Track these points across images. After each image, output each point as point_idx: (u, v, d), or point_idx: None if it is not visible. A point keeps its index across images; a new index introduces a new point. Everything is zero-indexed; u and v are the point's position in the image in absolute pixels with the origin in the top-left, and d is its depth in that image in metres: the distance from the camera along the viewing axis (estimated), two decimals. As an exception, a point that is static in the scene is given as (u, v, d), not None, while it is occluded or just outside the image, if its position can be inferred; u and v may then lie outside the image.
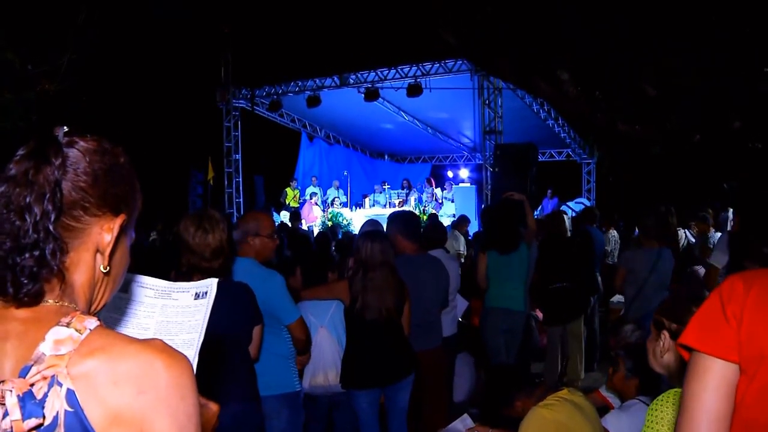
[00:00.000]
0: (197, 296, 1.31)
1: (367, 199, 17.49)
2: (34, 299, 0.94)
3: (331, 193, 17.40)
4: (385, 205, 17.17)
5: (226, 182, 17.66)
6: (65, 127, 1.00)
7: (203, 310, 1.29)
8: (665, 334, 2.02)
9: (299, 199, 16.96)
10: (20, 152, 0.96)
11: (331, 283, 4.24)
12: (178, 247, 2.92)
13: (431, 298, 4.47)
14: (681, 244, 8.81)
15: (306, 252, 6.35)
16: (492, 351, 5.40)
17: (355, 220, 15.09)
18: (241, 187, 17.78)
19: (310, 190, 17.23)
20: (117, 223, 1.02)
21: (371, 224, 5.12)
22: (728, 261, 4.71)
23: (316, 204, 16.61)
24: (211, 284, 1.33)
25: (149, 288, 1.30)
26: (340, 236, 11.04)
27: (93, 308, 1.06)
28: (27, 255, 0.92)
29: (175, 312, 1.29)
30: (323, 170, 18.77)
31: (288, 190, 17.02)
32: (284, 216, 15.13)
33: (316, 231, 13.84)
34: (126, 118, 15.75)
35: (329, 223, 15.03)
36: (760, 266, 2.93)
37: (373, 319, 3.83)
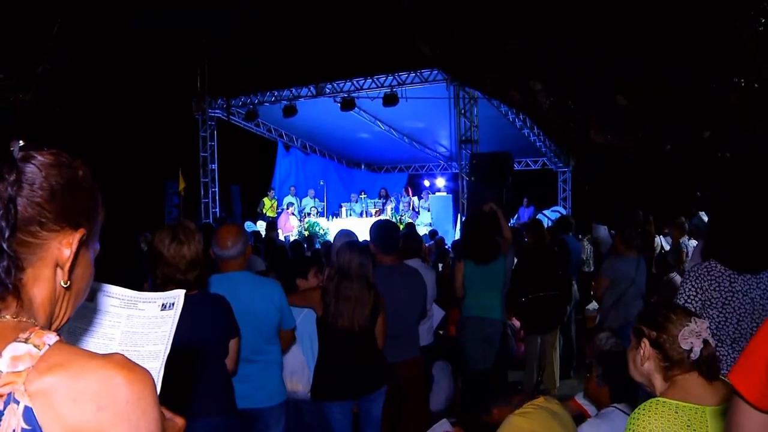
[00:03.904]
0: (164, 307, 1.29)
1: (343, 209, 17.48)
2: None
3: (307, 202, 17.37)
4: (361, 214, 17.19)
5: (202, 192, 17.55)
6: (21, 141, 0.97)
7: (170, 322, 1.27)
8: (645, 342, 2.03)
9: (277, 209, 16.92)
10: None
11: (305, 290, 4.22)
12: (153, 259, 2.89)
13: (409, 309, 4.44)
14: (657, 252, 8.92)
15: (282, 263, 6.34)
16: (470, 360, 5.42)
17: (332, 229, 15.04)
18: (217, 197, 17.69)
19: (287, 199, 17.19)
20: (76, 237, 1.00)
21: (345, 235, 5.10)
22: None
23: (293, 214, 16.56)
24: (177, 295, 1.31)
25: (115, 297, 1.28)
26: (317, 246, 11.01)
27: (57, 323, 1.04)
28: None
29: (141, 323, 1.27)
30: (300, 180, 18.73)
31: (265, 199, 16.97)
32: (261, 226, 15.07)
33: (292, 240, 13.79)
34: (102, 128, 15.56)
35: (306, 233, 15.00)
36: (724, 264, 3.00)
37: (345, 330, 3.80)
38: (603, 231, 9.08)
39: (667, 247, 9.52)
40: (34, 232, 0.96)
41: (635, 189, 14.01)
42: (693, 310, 2.93)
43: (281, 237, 14.19)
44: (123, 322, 1.27)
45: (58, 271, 1.00)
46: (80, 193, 1.02)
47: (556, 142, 17.47)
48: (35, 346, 0.89)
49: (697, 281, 3.04)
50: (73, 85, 13.34)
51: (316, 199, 17.54)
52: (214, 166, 17.61)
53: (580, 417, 3.35)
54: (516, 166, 16.32)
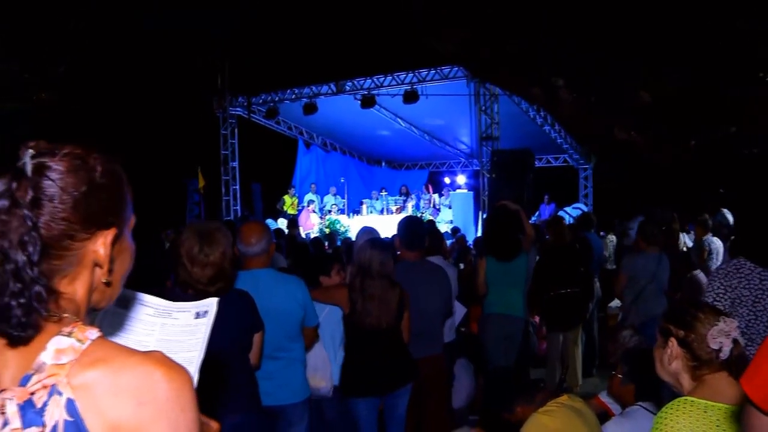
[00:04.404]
0: (198, 315, 1.30)
1: (364, 206, 17.49)
2: (28, 341, 0.91)
3: (328, 200, 17.41)
4: (382, 212, 17.19)
5: (223, 190, 17.67)
6: (31, 150, 0.92)
7: (203, 329, 1.28)
8: (673, 342, 2.00)
9: (297, 207, 16.97)
10: None
11: (327, 287, 4.23)
12: (176, 261, 2.86)
13: (431, 305, 4.39)
14: (681, 249, 8.81)
15: (304, 260, 6.36)
16: (491, 357, 5.40)
17: (353, 226, 15.08)
18: (238, 195, 17.78)
19: (308, 197, 17.24)
20: (109, 237, 0.99)
21: (367, 232, 5.08)
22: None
23: (314, 211, 16.61)
24: (211, 303, 1.32)
25: (149, 306, 1.29)
26: (338, 243, 11.03)
27: (104, 305, 1.05)
28: (13, 303, 0.88)
29: (175, 331, 1.28)
30: (320, 177, 18.77)
31: (286, 197, 17.04)
32: (281, 223, 15.13)
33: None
34: (123, 127, 15.70)
35: (327, 230, 15.03)
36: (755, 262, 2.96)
37: (372, 327, 3.81)
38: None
39: (690, 245, 9.40)
40: (66, 246, 0.95)
41: (658, 186, 13.89)
42: (722, 308, 2.90)
43: (302, 234, 14.24)
44: (157, 331, 1.28)
45: (97, 269, 1.00)
46: (103, 193, 0.98)
47: (578, 138, 17.33)
48: (78, 340, 0.90)
49: (726, 279, 3.00)
50: (93, 84, 13.47)
51: (338, 197, 17.57)
52: (235, 164, 17.74)
53: (603, 415, 3.33)
54: (537, 163, 16.16)
